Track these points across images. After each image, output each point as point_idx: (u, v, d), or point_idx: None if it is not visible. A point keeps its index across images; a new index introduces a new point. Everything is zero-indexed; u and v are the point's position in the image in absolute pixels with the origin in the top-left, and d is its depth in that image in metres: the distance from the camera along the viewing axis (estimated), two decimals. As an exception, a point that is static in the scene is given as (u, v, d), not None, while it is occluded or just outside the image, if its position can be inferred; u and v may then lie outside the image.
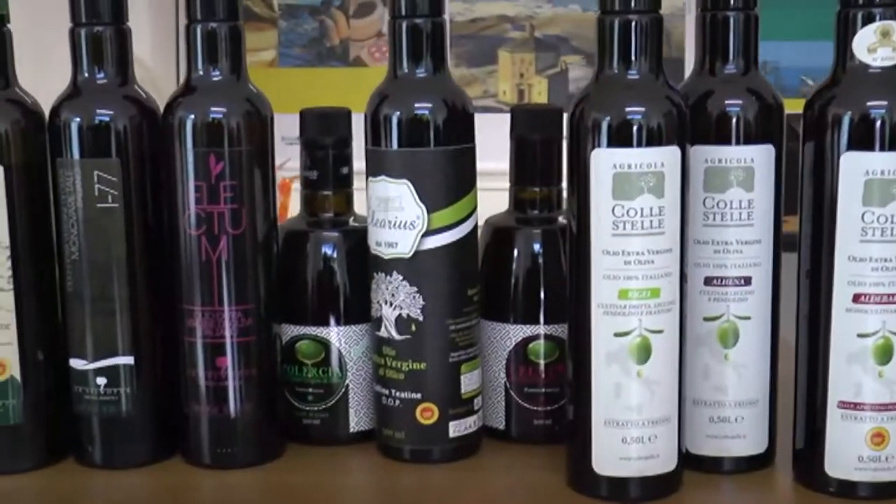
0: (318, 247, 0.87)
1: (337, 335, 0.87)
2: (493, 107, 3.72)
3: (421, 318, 0.82)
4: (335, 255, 0.87)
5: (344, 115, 0.88)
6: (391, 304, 0.82)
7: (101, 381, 0.83)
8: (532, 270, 0.87)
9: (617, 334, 0.75)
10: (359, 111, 0.85)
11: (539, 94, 3.84)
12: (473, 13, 3.87)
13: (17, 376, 0.83)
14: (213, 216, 0.81)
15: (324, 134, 0.87)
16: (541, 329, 0.86)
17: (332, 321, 0.87)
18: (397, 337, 0.83)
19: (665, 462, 0.77)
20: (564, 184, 0.84)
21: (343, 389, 0.87)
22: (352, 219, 0.89)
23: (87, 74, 0.83)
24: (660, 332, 0.75)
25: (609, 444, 0.77)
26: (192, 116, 0.81)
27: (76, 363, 0.83)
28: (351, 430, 0.88)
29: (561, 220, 0.88)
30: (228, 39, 0.82)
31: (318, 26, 3.68)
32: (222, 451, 0.84)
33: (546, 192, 0.88)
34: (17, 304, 0.82)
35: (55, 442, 0.86)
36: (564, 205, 0.88)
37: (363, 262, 0.86)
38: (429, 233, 0.81)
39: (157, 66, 3.59)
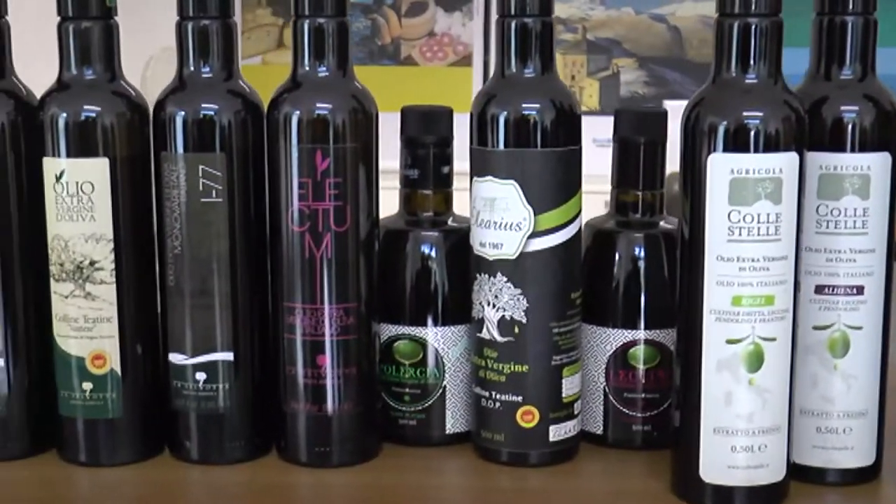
0: (418, 246, 0.87)
1: (435, 336, 0.86)
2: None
3: (524, 321, 0.81)
4: (435, 255, 0.86)
5: (446, 114, 0.87)
6: (494, 306, 0.81)
7: (201, 376, 0.83)
8: (633, 275, 0.86)
9: (729, 341, 0.74)
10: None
11: (590, 96, 3.83)
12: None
13: (118, 370, 0.83)
14: (318, 213, 0.80)
15: (425, 132, 0.87)
16: (641, 334, 0.85)
17: (431, 321, 0.86)
18: (499, 339, 0.82)
19: (773, 472, 0.76)
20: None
21: (440, 390, 0.86)
22: (451, 219, 0.88)
23: (192, 68, 0.82)
24: (773, 339, 0.74)
25: (717, 451, 0.76)
26: (298, 112, 0.80)
27: (175, 358, 0.83)
28: (447, 431, 0.87)
29: (663, 224, 0.87)
30: (336, 35, 0.81)
31: (369, 24, 3.68)
32: (319, 449, 0.83)
33: (649, 195, 0.87)
34: (118, 298, 0.82)
35: (151, 436, 0.85)
36: (665, 210, 0.87)
37: (463, 262, 0.85)
38: (535, 234, 0.80)
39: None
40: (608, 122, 0.89)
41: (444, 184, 0.88)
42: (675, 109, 0.81)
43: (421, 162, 0.87)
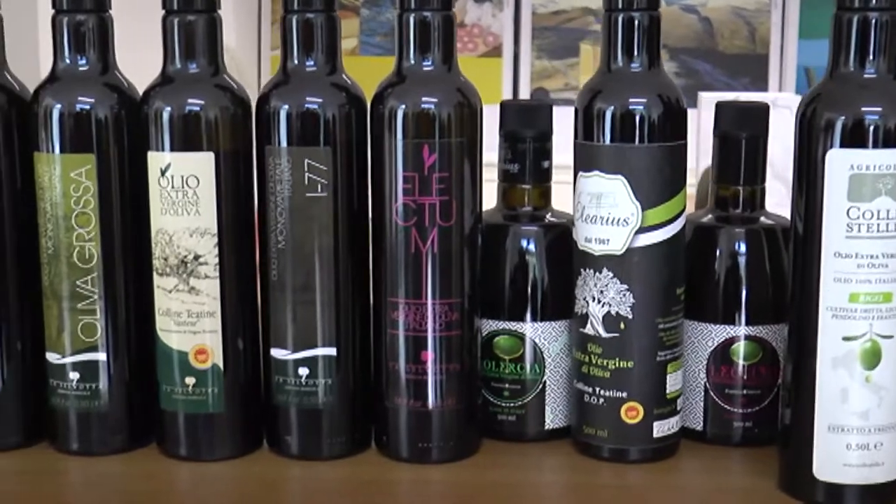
0: (517, 241, 0.86)
1: (535, 331, 0.85)
2: (573, 100, 3.70)
3: (630, 316, 0.81)
4: (534, 250, 0.86)
5: (546, 108, 0.86)
6: (599, 301, 0.81)
7: (303, 371, 0.82)
8: (734, 270, 0.85)
9: (846, 338, 0.74)
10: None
11: (620, 87, 3.80)
12: (556, 5, 3.85)
13: (220, 364, 0.82)
14: (424, 208, 0.80)
15: (525, 126, 0.86)
16: (742, 330, 0.85)
17: (530, 317, 0.86)
18: (604, 334, 0.81)
19: (889, 470, 0.75)
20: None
21: (540, 386, 0.86)
22: (549, 213, 0.87)
23: (296, 62, 0.82)
24: (890, 337, 0.74)
25: (831, 449, 0.75)
26: (404, 106, 0.80)
27: (277, 353, 0.83)
28: (545, 426, 0.87)
29: (763, 219, 0.86)
30: (441, 29, 0.81)
31: (400, 15, 3.68)
32: (421, 445, 0.83)
33: (749, 190, 0.86)
34: (221, 292, 0.82)
35: (251, 431, 0.85)
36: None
37: (563, 257, 0.85)
38: (642, 230, 0.80)
39: (241, 53, 3.60)
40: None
41: (543, 178, 0.87)
42: (709, 101, 0.80)
43: (520, 156, 0.86)
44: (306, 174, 0.80)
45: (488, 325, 0.86)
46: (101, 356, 0.83)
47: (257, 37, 3.93)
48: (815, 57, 3.66)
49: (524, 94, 3.85)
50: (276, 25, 1.00)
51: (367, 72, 0.94)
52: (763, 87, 3.83)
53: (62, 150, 0.81)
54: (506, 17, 3.82)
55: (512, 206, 0.87)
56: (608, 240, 0.80)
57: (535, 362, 0.86)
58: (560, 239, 0.86)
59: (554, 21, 3.92)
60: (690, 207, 0.85)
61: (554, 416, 0.86)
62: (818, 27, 3.74)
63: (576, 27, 3.90)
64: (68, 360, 0.83)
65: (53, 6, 0.82)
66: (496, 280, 0.86)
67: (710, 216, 0.87)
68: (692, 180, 1.20)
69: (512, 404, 0.86)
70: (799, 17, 3.70)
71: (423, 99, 0.80)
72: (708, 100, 2.62)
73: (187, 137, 0.80)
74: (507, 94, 3.80)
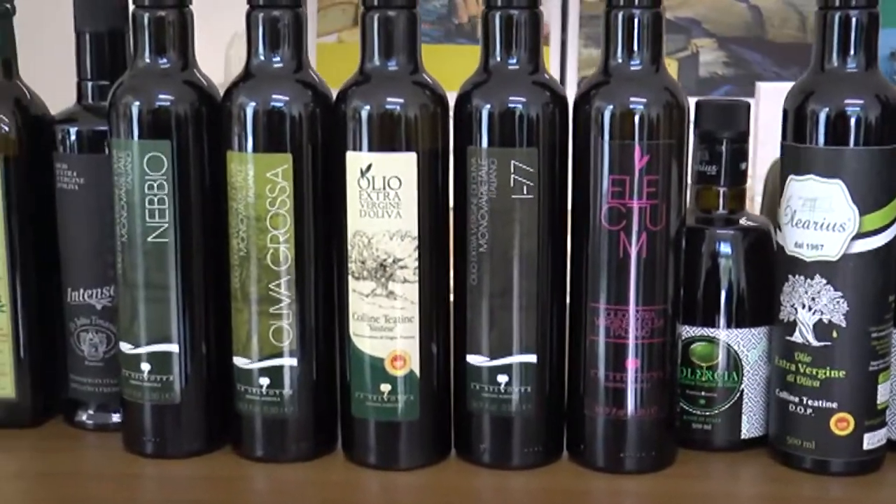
0: (713, 245, 0.84)
1: (732, 337, 0.83)
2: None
3: (843, 325, 0.78)
4: (732, 254, 0.83)
5: (744, 107, 0.84)
6: (810, 309, 0.79)
7: (502, 378, 0.80)
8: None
9: None
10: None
11: (668, 76, 3.78)
12: (586, 4, 3.82)
13: (416, 371, 0.80)
14: (633, 211, 0.77)
15: (723, 127, 0.84)
16: (948, 338, 0.82)
17: (727, 323, 0.83)
18: (815, 343, 0.79)
19: None
20: None
21: (737, 394, 0.83)
22: (745, 217, 0.85)
23: (498, 59, 0.79)
24: None
25: None
26: (612, 106, 0.77)
27: (474, 359, 0.80)
28: (742, 436, 0.84)
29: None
30: (651, 27, 0.78)
31: (446, 3, 3.65)
32: (620, 454, 0.81)
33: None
34: (420, 297, 0.79)
35: (442, 439, 0.83)
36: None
37: (761, 262, 0.83)
38: (859, 236, 0.77)
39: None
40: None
41: (740, 181, 0.85)
42: (767, 92, 0.77)
43: (717, 157, 0.84)
44: (512, 175, 0.78)
45: (684, 332, 0.83)
46: (291, 361, 0.81)
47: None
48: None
49: (571, 82, 3.82)
50: (323, 12, 0.96)
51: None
52: (813, 77, 3.79)
53: (257, 150, 0.79)
54: (553, 5, 3.79)
55: (706, 208, 0.85)
56: (822, 245, 0.78)
57: (732, 370, 0.83)
58: (758, 243, 0.83)
59: (600, 9, 3.89)
60: (757, 201, 0.83)
61: (750, 426, 0.84)
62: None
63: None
64: (257, 364, 0.81)
65: (249, 2, 0.80)
66: (691, 285, 0.83)
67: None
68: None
69: (707, 413, 0.84)
70: (852, 5, 3.67)
71: (632, 99, 0.77)
72: (766, 90, 2.58)
73: (389, 137, 0.78)
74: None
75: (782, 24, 3.81)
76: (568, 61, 3.85)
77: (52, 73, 0.99)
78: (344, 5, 3.70)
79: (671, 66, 3.84)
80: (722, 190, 0.84)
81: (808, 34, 3.79)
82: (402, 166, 0.78)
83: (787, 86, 0.84)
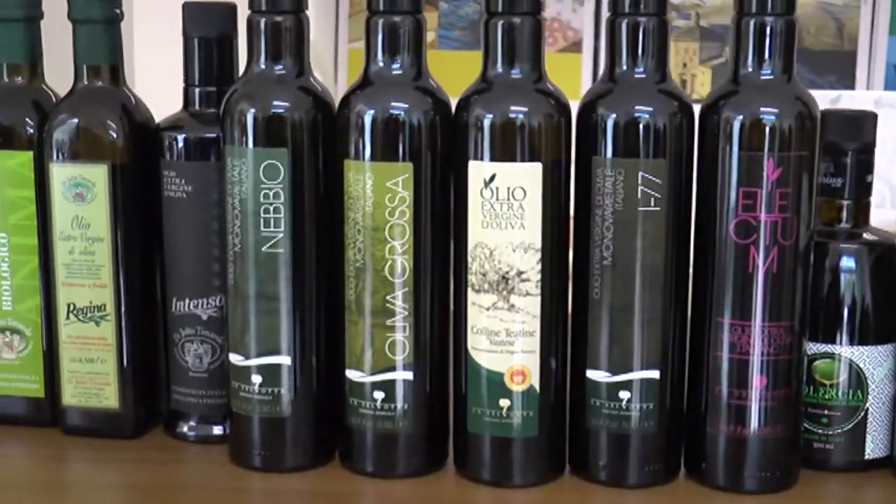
0: (837, 259, 0.82)
1: (858, 355, 0.81)
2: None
3: (979, 343, 0.76)
4: (856, 269, 0.81)
5: (871, 118, 0.82)
6: (945, 327, 0.76)
7: (624, 394, 0.78)
8: None
9: None
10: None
11: (702, 84, 3.76)
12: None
13: (537, 387, 0.78)
14: (766, 225, 0.75)
15: (849, 138, 0.81)
16: None
17: (852, 340, 0.81)
18: (949, 362, 0.77)
19: None
20: None
21: (862, 413, 0.81)
22: (868, 231, 0.83)
23: (624, 67, 0.77)
24: None
25: None
26: (741, 117, 0.75)
27: (595, 375, 0.79)
28: (865, 456, 0.82)
29: None
30: (784, 35, 0.76)
31: (478, 9, 3.63)
32: (742, 473, 0.79)
33: None
34: (542, 310, 0.77)
35: (558, 456, 0.81)
36: None
37: (886, 276, 0.81)
38: None
39: (320, 46, 3.57)
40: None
41: (865, 193, 0.82)
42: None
43: (842, 170, 0.81)
44: (640, 187, 0.76)
45: (808, 348, 0.81)
46: (406, 375, 0.79)
47: (334, 29, 3.89)
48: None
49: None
50: (355, 18, 0.94)
51: (444, 66, 0.90)
52: (850, 84, 3.77)
53: (376, 158, 0.77)
54: (586, 12, 3.78)
55: (829, 221, 0.83)
56: (957, 261, 0.76)
57: (856, 388, 0.81)
58: (884, 257, 0.81)
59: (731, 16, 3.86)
60: None
61: (875, 446, 0.82)
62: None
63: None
64: (371, 378, 0.79)
65: (369, 8, 0.78)
66: (815, 300, 0.81)
67: None
68: None
69: (830, 432, 0.82)
70: (890, 12, 3.64)
71: (763, 109, 0.75)
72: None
73: (513, 146, 0.76)
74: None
75: (819, 32, 3.78)
76: (601, 68, 3.83)
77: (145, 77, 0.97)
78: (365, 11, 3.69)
79: (705, 75, 3.83)
80: (846, 203, 0.82)
81: (845, 41, 3.76)
82: (527, 177, 0.76)
83: (822, 94, 0.82)
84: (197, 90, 0.85)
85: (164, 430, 0.88)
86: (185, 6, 0.84)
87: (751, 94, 0.76)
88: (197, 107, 0.86)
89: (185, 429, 0.87)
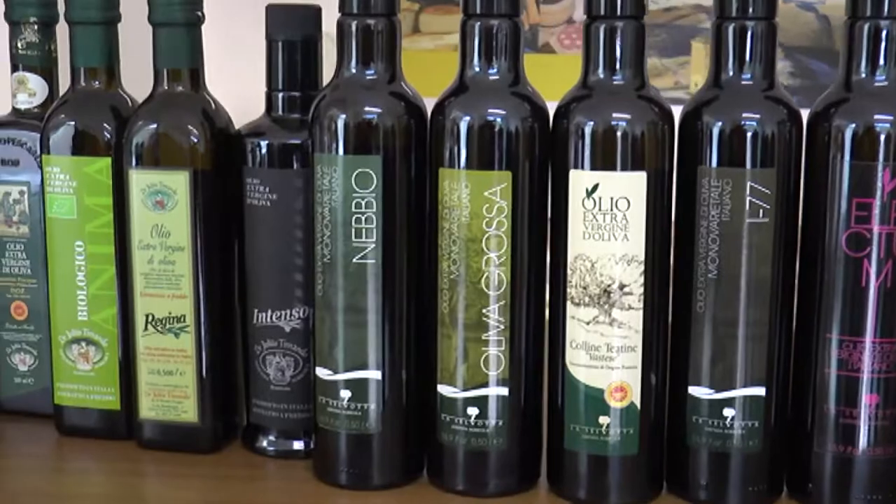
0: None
1: (967, 372, 0.78)
2: (684, 99, 3.60)
3: None
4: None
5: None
6: None
7: (729, 412, 0.75)
8: None
9: None
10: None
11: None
12: (668, 1, 3.76)
13: (637, 403, 0.75)
14: (880, 237, 0.72)
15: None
16: None
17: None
18: None
19: None
20: None
21: (971, 432, 0.78)
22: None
23: (731, 73, 0.75)
24: None
25: None
26: (855, 125, 0.73)
27: (697, 391, 0.76)
28: (973, 476, 0.79)
29: None
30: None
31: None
32: (849, 495, 0.76)
33: None
34: (644, 325, 0.75)
35: (657, 475, 0.78)
36: None
37: None
38: None
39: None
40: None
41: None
42: None
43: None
44: (748, 198, 0.73)
45: (914, 364, 0.78)
46: (502, 391, 0.77)
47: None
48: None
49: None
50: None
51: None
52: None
53: (472, 167, 0.74)
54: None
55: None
56: None
57: (963, 406, 0.78)
58: None
59: (664, 18, 3.81)
60: None
61: (983, 465, 0.79)
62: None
63: (687, 24, 3.80)
64: (464, 394, 0.77)
65: (465, 11, 0.75)
66: (918, 314, 0.78)
67: None
68: None
69: (935, 451, 0.79)
70: (923, 16, 3.60)
71: (877, 117, 0.73)
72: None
73: (616, 155, 0.73)
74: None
75: (850, 35, 3.74)
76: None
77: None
78: (403, 12, 3.66)
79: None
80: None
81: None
82: (632, 187, 0.73)
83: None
84: (280, 95, 0.83)
85: (243, 445, 0.86)
86: (268, 8, 0.82)
87: (864, 101, 0.74)
88: (280, 112, 0.83)
89: (265, 443, 0.84)
